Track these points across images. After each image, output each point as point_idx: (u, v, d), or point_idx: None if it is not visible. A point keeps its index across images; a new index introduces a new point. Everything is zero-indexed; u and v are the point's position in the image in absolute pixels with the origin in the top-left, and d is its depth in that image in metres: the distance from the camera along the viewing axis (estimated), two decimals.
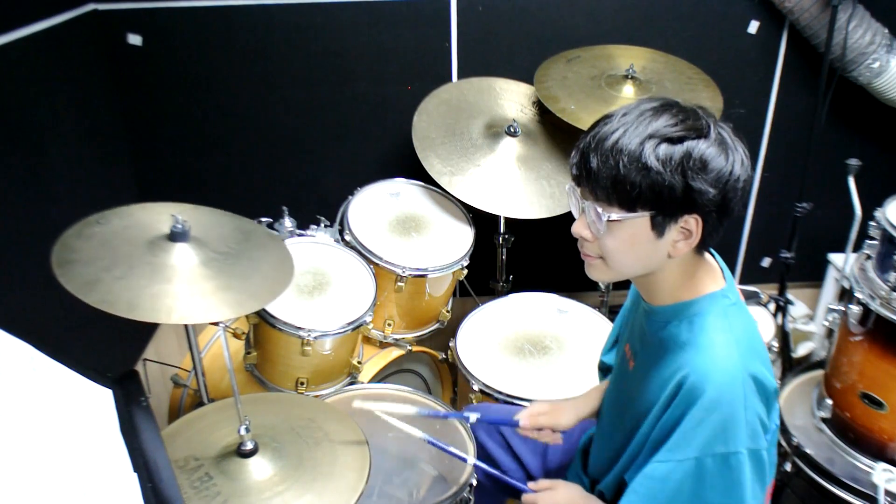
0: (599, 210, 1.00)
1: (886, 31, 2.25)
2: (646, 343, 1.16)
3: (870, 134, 2.55)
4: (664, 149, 0.95)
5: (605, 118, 1.01)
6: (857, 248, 1.85)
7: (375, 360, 2.01)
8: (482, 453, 1.53)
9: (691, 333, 1.06)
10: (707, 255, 1.11)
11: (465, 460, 1.43)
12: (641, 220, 0.99)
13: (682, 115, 0.97)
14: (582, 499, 1.28)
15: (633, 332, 1.23)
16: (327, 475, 1.24)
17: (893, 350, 1.67)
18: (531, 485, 1.35)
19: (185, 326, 1.56)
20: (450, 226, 2.16)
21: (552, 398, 1.73)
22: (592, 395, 1.44)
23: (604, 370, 1.52)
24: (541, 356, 1.92)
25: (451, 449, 1.41)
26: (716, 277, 1.11)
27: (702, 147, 0.95)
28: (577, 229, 1.06)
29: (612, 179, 0.97)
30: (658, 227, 0.99)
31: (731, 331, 1.04)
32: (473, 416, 1.45)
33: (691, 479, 1.02)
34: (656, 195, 0.96)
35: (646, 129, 0.96)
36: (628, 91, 2.08)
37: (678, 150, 0.95)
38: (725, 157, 0.97)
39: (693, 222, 0.99)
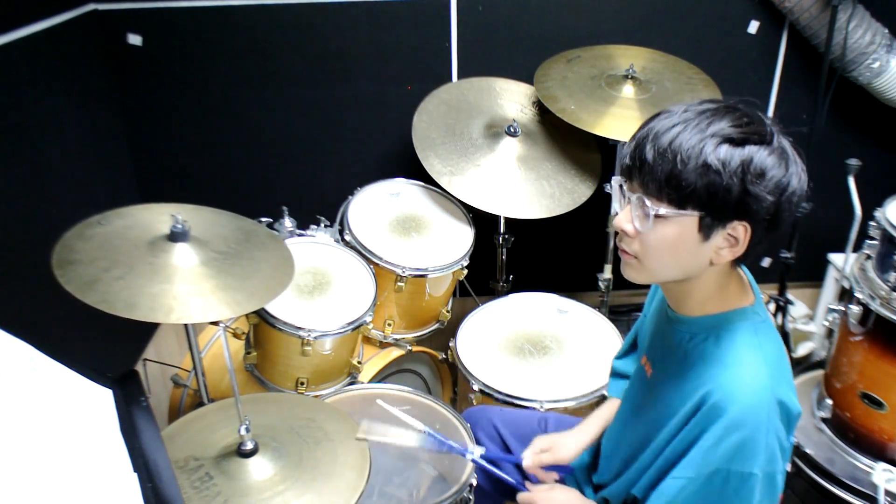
0: (648, 203, 0.97)
1: (886, 31, 2.25)
2: (668, 353, 1.14)
3: (870, 134, 2.55)
4: (725, 150, 0.92)
5: (664, 113, 0.98)
6: (857, 248, 1.85)
7: (375, 360, 2.01)
8: None
9: (719, 349, 1.03)
10: (738, 268, 1.08)
11: (464, 454, 1.42)
12: (690, 219, 0.96)
13: (746, 119, 0.94)
14: (579, 503, 1.28)
15: (654, 340, 1.21)
16: (327, 475, 1.24)
17: (893, 350, 1.67)
18: (528, 485, 1.35)
19: (185, 326, 1.56)
20: (450, 226, 2.16)
21: (552, 398, 1.74)
22: (593, 424, 1.42)
23: (615, 375, 1.51)
24: (541, 356, 1.92)
25: (453, 443, 1.41)
26: (746, 292, 1.09)
27: (763, 154, 0.92)
28: (620, 223, 1.02)
29: (667, 174, 0.93)
30: (705, 230, 0.96)
31: (760, 349, 1.02)
32: (477, 452, 1.42)
33: (704, 491, 1.01)
34: (711, 196, 0.93)
35: (707, 128, 0.93)
36: (628, 91, 2.08)
37: (739, 153, 0.92)
38: (785, 168, 0.94)
39: (741, 230, 0.96)
